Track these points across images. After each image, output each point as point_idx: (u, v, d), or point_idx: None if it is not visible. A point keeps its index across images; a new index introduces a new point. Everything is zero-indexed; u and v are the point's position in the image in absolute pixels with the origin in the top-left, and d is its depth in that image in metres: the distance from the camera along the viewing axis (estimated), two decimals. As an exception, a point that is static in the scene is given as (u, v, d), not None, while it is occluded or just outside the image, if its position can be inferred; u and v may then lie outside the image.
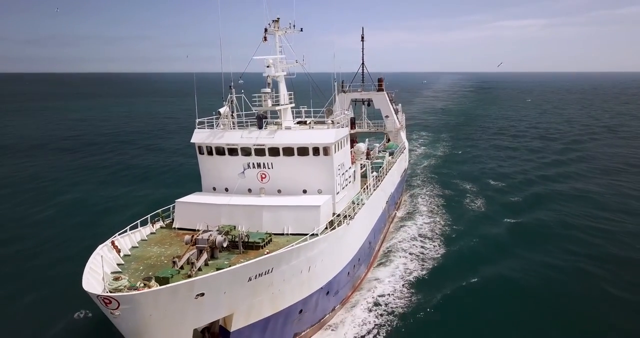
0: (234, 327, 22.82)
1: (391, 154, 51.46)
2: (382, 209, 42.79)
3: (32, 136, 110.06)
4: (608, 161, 79.18)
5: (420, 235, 44.85)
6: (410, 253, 40.46)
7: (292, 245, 23.72)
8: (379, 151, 54.18)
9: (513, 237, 44.86)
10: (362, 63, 63.17)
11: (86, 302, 22.92)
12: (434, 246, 42.14)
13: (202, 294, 20.13)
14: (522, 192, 60.05)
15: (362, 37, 62.90)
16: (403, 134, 63.93)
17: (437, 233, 45.30)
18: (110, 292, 19.00)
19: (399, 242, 43.29)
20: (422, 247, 42.05)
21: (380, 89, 61.54)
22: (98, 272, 20.74)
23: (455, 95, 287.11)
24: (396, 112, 63.55)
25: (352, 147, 37.26)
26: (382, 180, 42.33)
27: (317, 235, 26.22)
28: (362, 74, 63.32)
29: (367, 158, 47.72)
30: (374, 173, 40.91)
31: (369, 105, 63.33)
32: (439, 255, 40.06)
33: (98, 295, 18.33)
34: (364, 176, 39.65)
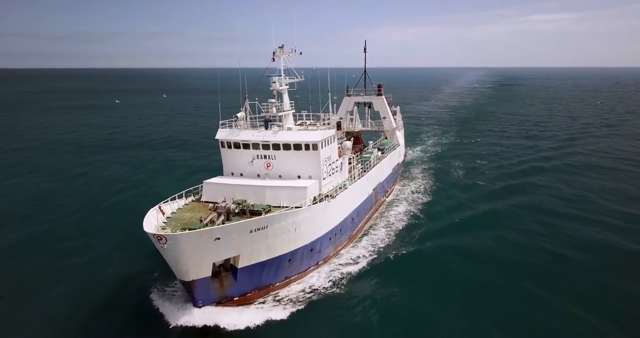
0: (240, 265, 33.42)
1: (381, 150, 61.35)
2: (368, 195, 52.76)
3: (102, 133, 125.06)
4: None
5: (416, 191, 65.86)
6: (406, 201, 61.22)
7: (281, 211, 34.25)
8: (373, 147, 63.97)
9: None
10: (365, 71, 72.81)
11: (139, 242, 34.65)
12: (424, 197, 62.64)
13: (219, 238, 30.80)
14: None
15: (365, 49, 72.78)
16: (399, 133, 73.33)
17: (427, 191, 65.67)
18: None
19: (403, 194, 64.57)
20: (416, 198, 62.65)
21: (379, 94, 70.99)
22: (151, 224, 31.68)
23: (473, 92, 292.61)
24: (394, 113, 73.13)
25: (340, 143, 47.37)
26: (368, 171, 52.26)
27: (301, 207, 36.59)
28: (365, 81, 72.93)
29: (360, 153, 57.96)
30: (359, 165, 50.97)
31: (369, 107, 72.97)
32: (425, 201, 60.49)
33: (154, 234, 29.21)
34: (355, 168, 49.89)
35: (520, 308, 34.37)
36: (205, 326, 31.48)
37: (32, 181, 72.67)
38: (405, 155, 77.55)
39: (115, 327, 32.37)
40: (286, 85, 44.77)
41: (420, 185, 68.76)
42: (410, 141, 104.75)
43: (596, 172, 76.60)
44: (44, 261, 43.16)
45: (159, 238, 29.15)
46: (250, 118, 43.94)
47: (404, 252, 44.26)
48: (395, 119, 72.40)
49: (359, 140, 70.26)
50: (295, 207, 35.87)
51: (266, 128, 42.19)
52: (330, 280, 38.72)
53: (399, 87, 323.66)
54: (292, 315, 33.38)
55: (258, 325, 31.85)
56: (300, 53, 45.65)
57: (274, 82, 43.66)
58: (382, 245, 46.32)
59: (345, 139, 57.07)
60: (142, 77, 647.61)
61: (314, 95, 51.62)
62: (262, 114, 43.91)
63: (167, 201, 37.32)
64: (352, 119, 71.27)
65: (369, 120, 74.14)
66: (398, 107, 76.80)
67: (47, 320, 33.44)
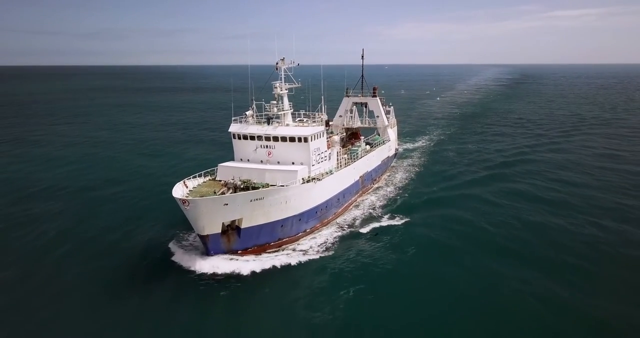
0: (243, 226, 44.47)
1: (369, 144, 71.84)
2: (355, 181, 63.32)
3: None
4: None
5: (411, 165, 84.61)
6: (404, 172, 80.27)
7: (274, 187, 45.30)
8: (362, 141, 74.43)
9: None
10: (362, 76, 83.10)
11: (168, 206, 46.49)
12: (416, 169, 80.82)
13: (227, 204, 41.90)
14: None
15: (362, 56, 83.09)
16: (391, 130, 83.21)
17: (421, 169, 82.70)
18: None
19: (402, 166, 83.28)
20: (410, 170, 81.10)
21: (374, 95, 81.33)
22: (177, 192, 42.94)
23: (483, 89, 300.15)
24: (387, 113, 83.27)
25: (328, 137, 58.00)
26: (355, 162, 62.80)
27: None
28: (362, 84, 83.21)
29: (352, 146, 68.60)
30: (345, 156, 61.65)
31: (365, 107, 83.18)
32: (418, 171, 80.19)
33: (180, 198, 40.50)
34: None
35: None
36: (214, 270, 42.38)
37: (91, 164, 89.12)
38: (396, 150, 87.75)
39: (145, 268, 43.49)
40: (286, 89, 55.59)
41: (416, 166, 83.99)
42: (415, 133, 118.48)
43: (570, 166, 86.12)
44: (92, 217, 58.09)
45: (184, 201, 40.45)
46: (256, 115, 55.00)
47: (389, 219, 56.14)
48: (388, 118, 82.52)
49: (357, 136, 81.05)
50: (287, 185, 46.81)
51: (268, 124, 53.13)
52: (316, 243, 49.32)
53: (412, 84, 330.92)
54: (283, 266, 43.95)
55: (256, 271, 42.52)
56: (298, 64, 56.41)
57: (276, 88, 54.59)
58: (368, 218, 57.50)
59: (343, 134, 67.97)
60: (166, 74, 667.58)
61: (316, 94, 62.09)
62: (266, 112, 54.85)
63: (190, 178, 48.61)
64: (351, 117, 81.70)
65: (366, 118, 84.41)
66: (392, 107, 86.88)
67: (90, 253, 46.92)
